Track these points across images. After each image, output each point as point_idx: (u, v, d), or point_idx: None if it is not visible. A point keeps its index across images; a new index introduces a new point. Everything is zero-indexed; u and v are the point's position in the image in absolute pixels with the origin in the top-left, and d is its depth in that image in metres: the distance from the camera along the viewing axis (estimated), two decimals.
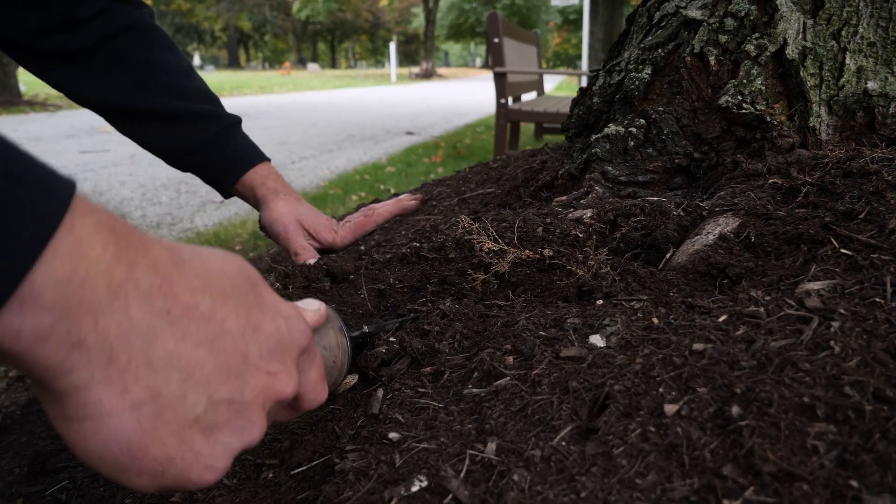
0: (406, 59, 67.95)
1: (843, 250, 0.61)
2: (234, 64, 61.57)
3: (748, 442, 0.42)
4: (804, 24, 0.86)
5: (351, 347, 0.60)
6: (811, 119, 0.86)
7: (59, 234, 0.30)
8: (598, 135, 0.96)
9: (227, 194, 1.13)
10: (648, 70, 0.93)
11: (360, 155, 6.47)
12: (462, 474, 0.46)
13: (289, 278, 0.89)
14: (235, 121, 1.10)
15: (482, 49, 71.05)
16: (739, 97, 0.86)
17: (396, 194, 1.56)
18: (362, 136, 7.97)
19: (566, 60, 57.41)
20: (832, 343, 0.49)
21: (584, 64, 15.84)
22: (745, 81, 0.87)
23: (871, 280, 0.56)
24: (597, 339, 0.57)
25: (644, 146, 0.93)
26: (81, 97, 1.02)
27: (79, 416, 0.33)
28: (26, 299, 0.29)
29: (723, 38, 0.88)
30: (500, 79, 4.76)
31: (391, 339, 0.67)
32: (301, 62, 59.86)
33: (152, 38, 1.03)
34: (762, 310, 0.56)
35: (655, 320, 0.58)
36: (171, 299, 0.35)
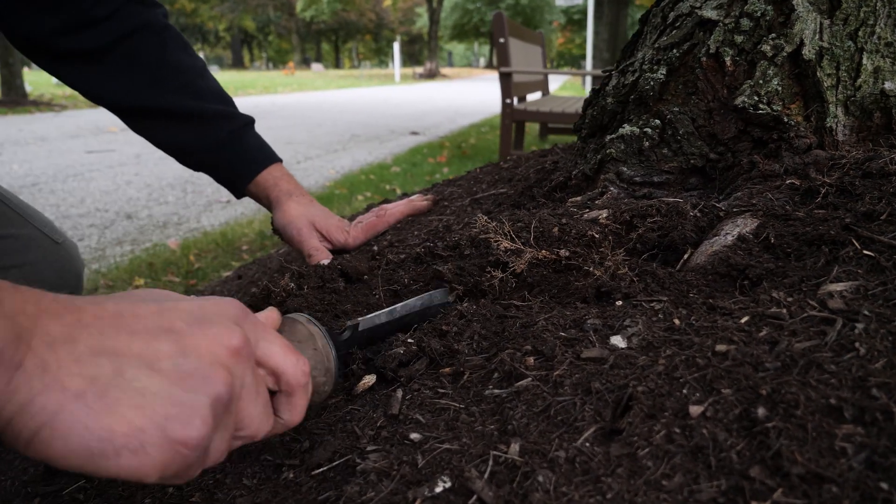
0: (410, 59, 67.96)
1: (865, 251, 0.61)
2: (237, 64, 61.66)
3: (775, 443, 0.42)
4: (821, 24, 0.86)
5: (336, 345, 0.62)
6: (828, 119, 0.86)
7: None
8: (613, 135, 0.95)
9: (239, 194, 1.13)
10: (663, 70, 0.92)
11: (366, 155, 6.47)
12: (486, 475, 0.46)
13: (303, 279, 0.89)
14: (248, 121, 1.11)
15: (486, 49, 71.02)
16: (756, 98, 0.86)
17: (404, 194, 1.56)
18: (367, 136, 7.97)
19: (570, 60, 57.35)
20: (857, 345, 0.49)
21: (589, 64, 15.83)
22: (761, 82, 0.86)
23: (894, 282, 0.56)
24: (618, 340, 0.57)
25: (659, 147, 0.93)
26: (96, 96, 1.03)
27: (34, 428, 0.36)
28: None
29: (738, 39, 0.88)
30: (505, 79, 4.76)
31: (409, 339, 0.67)
32: (305, 62, 59.92)
33: (166, 37, 1.04)
34: (784, 311, 0.55)
35: (677, 321, 0.58)
36: (77, 312, 0.40)
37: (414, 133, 8.33)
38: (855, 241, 0.63)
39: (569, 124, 4.96)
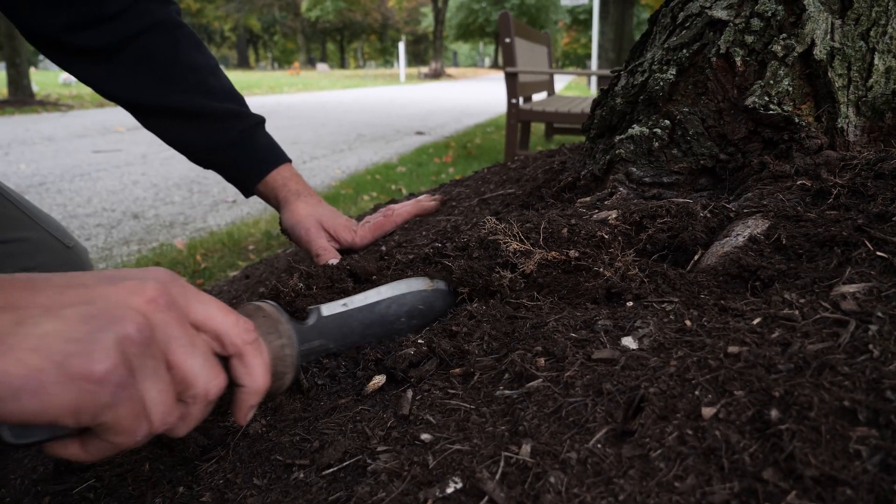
0: (415, 59, 67.98)
1: (878, 253, 0.61)
2: (243, 64, 61.79)
3: (789, 446, 0.42)
4: (832, 24, 0.85)
5: (302, 332, 0.62)
6: (839, 120, 0.86)
7: None
8: (622, 136, 0.95)
9: (248, 193, 1.14)
10: (673, 71, 0.92)
11: (371, 155, 6.48)
12: (497, 476, 0.46)
13: (312, 279, 0.89)
14: (259, 120, 1.11)
15: (491, 49, 70.99)
16: (766, 98, 0.86)
17: (411, 194, 1.56)
18: (373, 136, 7.98)
19: (575, 60, 57.27)
20: (871, 346, 0.49)
21: (594, 64, 15.80)
22: (771, 82, 0.86)
23: None
24: (629, 341, 0.57)
25: (669, 147, 0.92)
26: (108, 92, 1.03)
27: None
28: None
29: (749, 39, 0.87)
30: (511, 79, 4.76)
31: (419, 340, 0.67)
32: (310, 62, 59.99)
33: (178, 35, 1.04)
34: (797, 312, 0.55)
35: (688, 322, 0.58)
36: None
37: (419, 133, 8.33)
38: (868, 243, 0.62)
39: (574, 124, 4.96)
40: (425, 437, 0.53)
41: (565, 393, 0.52)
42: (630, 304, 0.66)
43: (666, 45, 0.95)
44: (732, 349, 0.52)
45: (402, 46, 32.36)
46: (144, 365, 0.43)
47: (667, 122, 0.93)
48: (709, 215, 0.78)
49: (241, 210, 4.17)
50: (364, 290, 0.73)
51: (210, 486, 0.59)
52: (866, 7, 0.85)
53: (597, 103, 1.09)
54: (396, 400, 0.61)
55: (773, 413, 0.45)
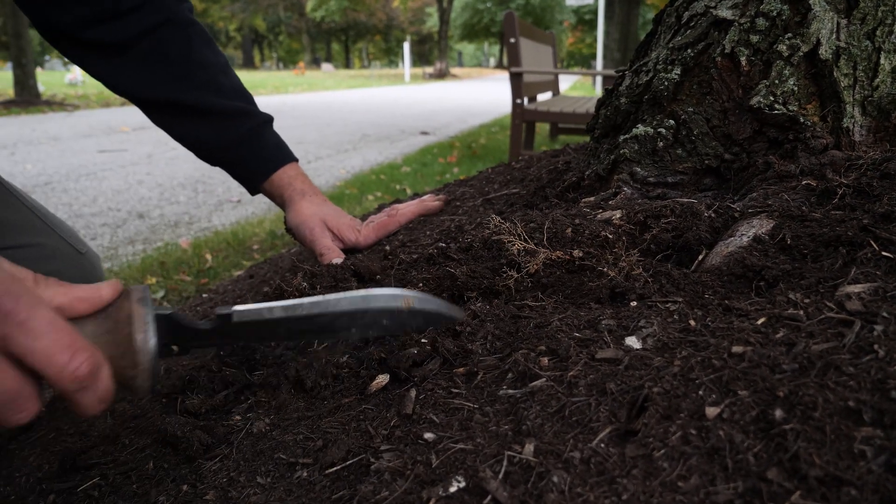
0: (420, 59, 68.01)
1: (883, 253, 0.60)
2: (248, 64, 61.92)
3: (793, 446, 0.42)
4: (838, 23, 0.85)
5: (195, 332, 0.57)
6: (845, 120, 0.85)
7: None
8: (627, 135, 0.95)
9: (254, 191, 1.14)
10: (678, 70, 0.92)
11: (376, 155, 6.48)
12: (500, 475, 0.46)
13: (316, 278, 0.89)
14: (267, 119, 1.12)
15: (496, 49, 70.96)
16: (771, 98, 0.85)
17: (415, 194, 1.56)
18: (377, 136, 7.98)
19: (580, 60, 57.20)
20: (876, 347, 0.48)
21: (599, 64, 15.78)
22: (777, 82, 0.86)
23: None
24: (633, 341, 0.57)
25: (673, 147, 0.92)
26: (118, 87, 1.04)
27: None
28: None
29: (754, 39, 0.87)
30: (516, 79, 4.76)
31: (423, 339, 0.67)
32: (315, 62, 60.10)
33: (191, 32, 1.05)
34: (802, 312, 0.55)
35: (692, 322, 0.58)
36: None
37: (424, 133, 8.33)
38: (873, 243, 0.62)
39: (579, 124, 4.95)
40: (429, 436, 0.53)
41: (569, 392, 0.52)
42: (634, 303, 0.66)
43: (671, 45, 0.95)
44: (737, 349, 0.52)
45: (406, 46, 32.38)
46: None
47: (671, 121, 0.92)
48: (713, 215, 0.78)
49: (245, 210, 4.18)
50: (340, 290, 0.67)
51: (214, 484, 0.60)
52: (872, 6, 0.84)
53: (601, 103, 1.09)
54: (400, 399, 0.61)
55: (778, 413, 0.44)
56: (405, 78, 31.30)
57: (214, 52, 1.08)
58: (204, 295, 1.85)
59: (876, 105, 0.86)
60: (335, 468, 0.55)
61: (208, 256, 2.98)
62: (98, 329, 0.53)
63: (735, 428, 0.45)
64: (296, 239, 1.12)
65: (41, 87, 12.97)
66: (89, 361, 0.48)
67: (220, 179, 5.08)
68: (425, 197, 1.32)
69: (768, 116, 0.86)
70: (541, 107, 5.11)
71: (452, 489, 0.46)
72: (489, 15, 45.71)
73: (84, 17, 0.98)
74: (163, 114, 1.07)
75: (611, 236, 0.76)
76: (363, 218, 1.27)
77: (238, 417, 0.70)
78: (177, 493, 0.61)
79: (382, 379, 0.66)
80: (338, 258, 1.01)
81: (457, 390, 0.59)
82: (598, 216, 0.81)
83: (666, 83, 0.93)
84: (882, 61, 0.85)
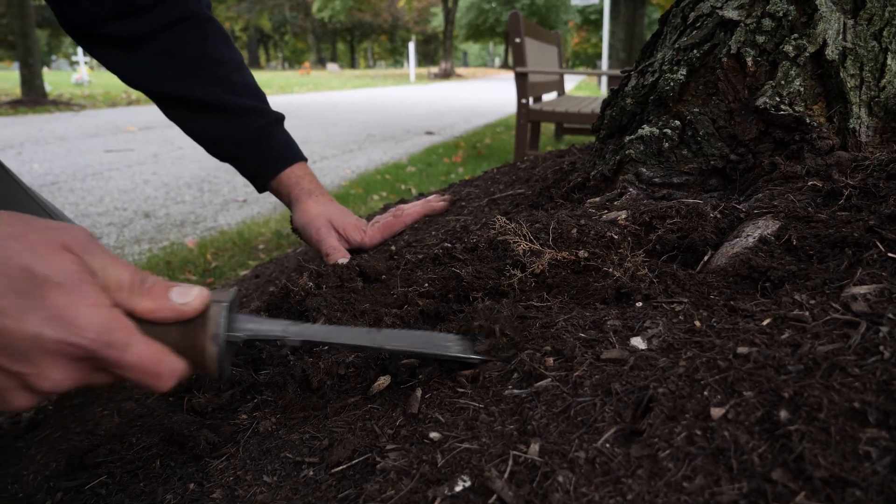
0: (425, 59, 68.02)
1: (889, 254, 0.60)
2: (254, 64, 62.03)
3: (798, 447, 0.42)
4: (844, 24, 0.85)
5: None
6: (851, 121, 0.85)
7: None
8: (632, 136, 0.95)
9: (262, 189, 1.15)
10: (683, 71, 0.92)
11: (381, 155, 6.49)
12: (506, 475, 0.46)
13: (321, 278, 0.89)
14: (279, 118, 1.13)
15: (501, 49, 70.91)
16: (777, 98, 0.85)
17: (421, 194, 1.57)
18: (383, 136, 7.99)
19: (585, 60, 57.12)
20: (881, 348, 0.48)
21: (605, 64, 15.76)
22: (783, 83, 0.86)
23: None
24: (638, 342, 0.57)
25: (679, 148, 0.92)
26: (134, 80, 1.05)
27: None
28: None
29: (760, 39, 0.87)
30: (521, 79, 4.75)
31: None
32: (320, 62, 60.18)
33: (208, 29, 1.06)
34: (807, 314, 0.55)
35: (697, 323, 0.58)
36: None
37: (429, 133, 8.34)
38: (879, 244, 0.62)
39: (584, 124, 4.95)
40: (434, 435, 0.53)
41: (574, 393, 0.52)
42: (639, 304, 0.66)
43: (676, 46, 0.95)
44: (742, 350, 0.52)
45: (412, 46, 32.40)
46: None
47: (677, 122, 0.92)
48: (719, 216, 0.78)
49: (251, 209, 4.19)
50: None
51: (220, 482, 0.60)
52: (879, 7, 0.84)
53: (607, 103, 1.09)
54: (405, 398, 0.61)
55: (783, 414, 0.44)
56: (410, 78, 31.33)
57: (230, 50, 1.09)
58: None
59: (882, 106, 0.86)
60: (341, 467, 0.55)
61: (209, 257, 2.99)
62: (178, 335, 0.55)
63: (740, 428, 0.45)
64: (302, 238, 1.13)
65: (48, 87, 13.02)
66: (173, 378, 0.53)
67: (225, 179, 5.09)
68: (430, 197, 1.32)
69: (774, 117, 0.86)
70: (546, 107, 5.10)
71: (458, 488, 0.46)
72: (494, 15, 45.68)
73: (101, 13, 0.99)
74: (176, 108, 1.08)
75: (616, 237, 0.76)
76: (368, 218, 1.28)
77: (244, 416, 0.71)
78: (184, 491, 0.62)
79: (384, 380, 0.66)
80: (343, 258, 1.02)
81: (462, 390, 0.59)
82: (604, 217, 0.81)
83: (672, 84, 0.93)
84: (889, 62, 0.85)
